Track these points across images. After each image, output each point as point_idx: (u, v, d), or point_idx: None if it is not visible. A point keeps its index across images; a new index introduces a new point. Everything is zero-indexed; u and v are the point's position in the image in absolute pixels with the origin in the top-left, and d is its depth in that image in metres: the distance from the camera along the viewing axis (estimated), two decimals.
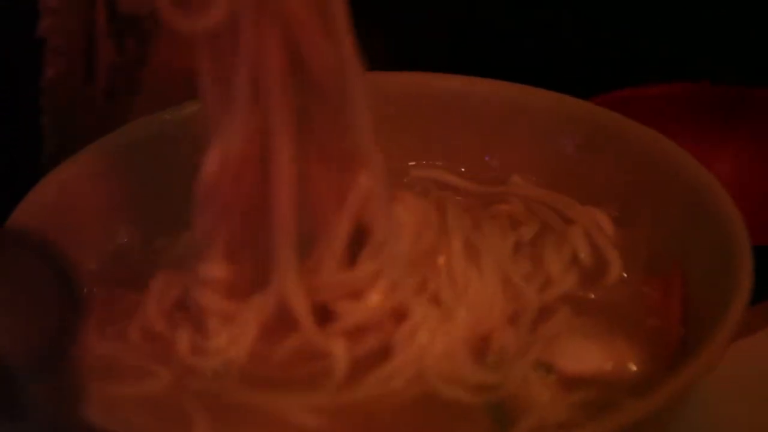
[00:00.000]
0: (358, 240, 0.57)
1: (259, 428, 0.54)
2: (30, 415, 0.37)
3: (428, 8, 0.91)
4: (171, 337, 0.57)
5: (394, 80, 0.70)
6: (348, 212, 0.56)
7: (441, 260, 0.60)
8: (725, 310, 0.53)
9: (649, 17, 0.91)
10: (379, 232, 0.57)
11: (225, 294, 0.57)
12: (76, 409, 0.37)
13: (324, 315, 0.56)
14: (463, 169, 0.69)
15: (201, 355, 0.56)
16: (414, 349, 0.56)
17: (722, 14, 0.90)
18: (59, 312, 0.38)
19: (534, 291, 0.60)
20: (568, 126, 0.67)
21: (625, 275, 0.62)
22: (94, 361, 0.54)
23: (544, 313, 0.59)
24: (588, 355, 0.56)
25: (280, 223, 0.55)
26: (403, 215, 0.60)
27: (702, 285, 0.58)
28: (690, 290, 0.59)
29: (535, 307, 0.59)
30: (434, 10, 0.91)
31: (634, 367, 0.56)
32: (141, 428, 0.54)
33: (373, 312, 0.56)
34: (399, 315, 0.57)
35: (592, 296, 0.60)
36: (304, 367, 0.55)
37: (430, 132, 0.69)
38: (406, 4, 0.90)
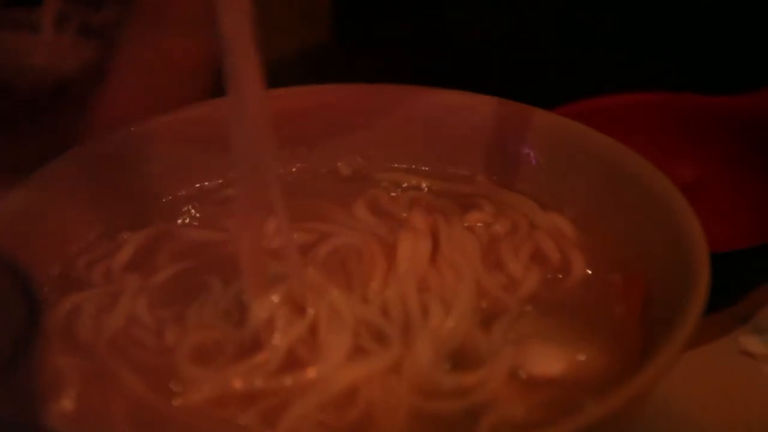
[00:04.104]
0: None
1: None
2: None
3: (399, 24, 0.93)
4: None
5: (363, 92, 0.71)
6: None
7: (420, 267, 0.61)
8: (682, 316, 0.54)
9: (609, 32, 0.92)
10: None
11: None
12: (34, 415, 0.37)
13: None
14: (425, 168, 0.70)
15: None
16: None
17: (680, 26, 0.92)
18: (18, 322, 0.38)
19: (509, 295, 0.61)
20: (530, 135, 0.68)
21: (589, 274, 0.63)
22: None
23: (511, 314, 0.60)
24: (553, 357, 0.57)
25: None
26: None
27: (662, 289, 0.59)
28: (651, 294, 0.60)
29: (512, 310, 0.60)
30: (405, 25, 0.93)
31: (595, 369, 0.57)
32: None
33: None
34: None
35: (556, 297, 0.61)
36: None
37: (396, 140, 0.71)
38: (380, 23, 0.92)
